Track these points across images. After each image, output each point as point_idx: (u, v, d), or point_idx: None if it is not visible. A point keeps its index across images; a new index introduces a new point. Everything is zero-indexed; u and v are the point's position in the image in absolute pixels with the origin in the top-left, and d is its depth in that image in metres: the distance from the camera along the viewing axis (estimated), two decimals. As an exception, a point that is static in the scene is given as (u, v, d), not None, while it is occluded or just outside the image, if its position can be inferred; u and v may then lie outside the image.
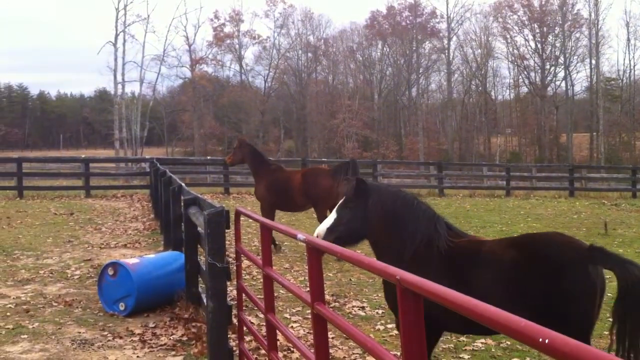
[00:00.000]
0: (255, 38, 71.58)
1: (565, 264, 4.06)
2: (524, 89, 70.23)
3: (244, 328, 5.66)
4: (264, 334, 4.90)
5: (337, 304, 7.99)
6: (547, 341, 1.66)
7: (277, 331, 4.56)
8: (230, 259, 7.22)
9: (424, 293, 2.47)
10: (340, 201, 4.79)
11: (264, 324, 4.84)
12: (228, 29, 71.11)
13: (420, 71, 68.91)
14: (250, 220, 9.17)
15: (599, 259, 4.05)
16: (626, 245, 13.28)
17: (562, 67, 64.65)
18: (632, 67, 66.17)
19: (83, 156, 29.62)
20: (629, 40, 64.91)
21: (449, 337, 6.63)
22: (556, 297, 4.04)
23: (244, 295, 5.68)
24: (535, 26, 65.71)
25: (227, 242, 5.61)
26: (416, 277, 2.53)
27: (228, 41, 70.88)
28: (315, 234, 4.63)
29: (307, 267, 3.94)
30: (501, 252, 4.28)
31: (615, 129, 63.09)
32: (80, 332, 6.78)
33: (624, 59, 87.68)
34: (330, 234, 4.59)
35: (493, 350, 6.27)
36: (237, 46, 71.30)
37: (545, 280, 4.06)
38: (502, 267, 4.19)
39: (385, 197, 4.69)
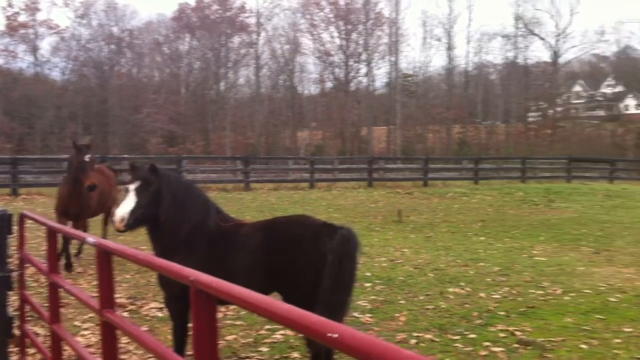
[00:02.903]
0: (53, 28, 66.80)
1: (300, 238, 4.77)
2: (329, 84, 73.07)
3: (28, 341, 5.18)
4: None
5: (134, 306, 7.67)
6: (336, 335, 1.65)
7: (65, 342, 4.21)
8: (13, 267, 6.58)
9: (218, 294, 2.39)
10: (135, 185, 4.99)
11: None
12: (23, 17, 65.61)
13: (229, 65, 68.81)
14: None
15: (327, 233, 4.69)
16: (417, 230, 14.30)
17: (365, 63, 68.19)
18: (427, 64, 71.76)
19: None
20: (425, 38, 70.27)
21: (249, 332, 6.63)
22: (292, 267, 4.74)
23: (28, 305, 5.20)
24: (341, 23, 68.45)
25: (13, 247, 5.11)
26: (210, 278, 2.46)
27: (22, 31, 65.37)
28: (118, 217, 4.88)
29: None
30: (253, 233, 4.92)
31: (410, 122, 67.91)
32: None
33: (420, 57, 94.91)
34: (131, 216, 4.89)
35: (292, 340, 6.36)
36: (32, 36, 66.03)
37: (284, 254, 4.75)
38: (254, 246, 4.84)
39: (173, 183, 5.14)
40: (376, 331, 6.75)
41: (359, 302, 7.61)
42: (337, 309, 4.58)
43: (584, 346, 6.21)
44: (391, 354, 1.37)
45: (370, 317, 7.24)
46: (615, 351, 6.05)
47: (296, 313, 1.85)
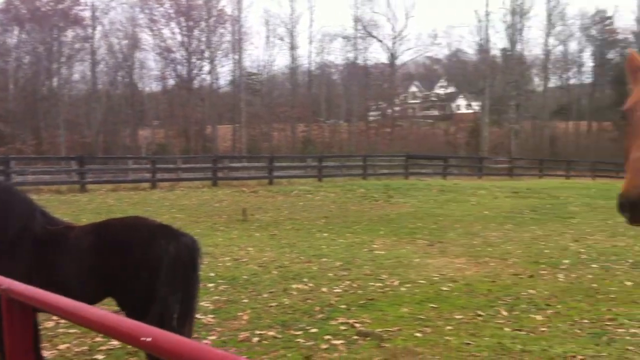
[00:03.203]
0: None
1: (133, 240, 4.60)
2: (171, 81, 71.37)
3: None
4: None
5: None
6: (149, 339, 1.58)
7: None
8: None
9: (33, 302, 2.19)
10: None
11: None
12: None
13: (62, 60, 65.06)
14: None
15: (163, 235, 4.61)
16: (262, 229, 14.33)
17: (208, 61, 67.39)
18: (270, 63, 72.36)
19: None
20: (268, 37, 70.77)
21: (84, 340, 6.28)
22: (126, 270, 4.54)
23: None
24: (182, 20, 67.06)
25: None
26: (24, 286, 2.25)
27: None
28: None
29: None
30: (83, 237, 4.69)
31: (255, 121, 68.17)
32: None
33: (264, 55, 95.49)
34: None
35: (129, 347, 6.10)
36: None
37: (117, 258, 4.55)
38: (84, 250, 4.61)
39: None
40: (219, 332, 6.65)
41: (201, 303, 7.44)
42: (180, 313, 4.49)
43: (418, 334, 6.50)
44: (203, 354, 1.31)
45: (213, 317, 7.13)
46: (447, 337, 6.40)
47: (110, 319, 1.74)
